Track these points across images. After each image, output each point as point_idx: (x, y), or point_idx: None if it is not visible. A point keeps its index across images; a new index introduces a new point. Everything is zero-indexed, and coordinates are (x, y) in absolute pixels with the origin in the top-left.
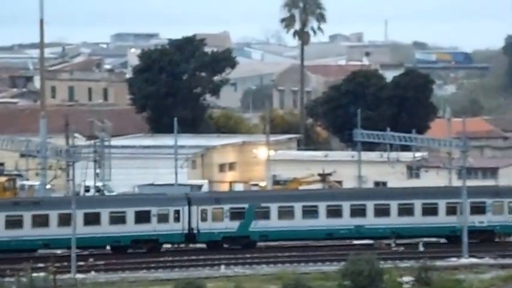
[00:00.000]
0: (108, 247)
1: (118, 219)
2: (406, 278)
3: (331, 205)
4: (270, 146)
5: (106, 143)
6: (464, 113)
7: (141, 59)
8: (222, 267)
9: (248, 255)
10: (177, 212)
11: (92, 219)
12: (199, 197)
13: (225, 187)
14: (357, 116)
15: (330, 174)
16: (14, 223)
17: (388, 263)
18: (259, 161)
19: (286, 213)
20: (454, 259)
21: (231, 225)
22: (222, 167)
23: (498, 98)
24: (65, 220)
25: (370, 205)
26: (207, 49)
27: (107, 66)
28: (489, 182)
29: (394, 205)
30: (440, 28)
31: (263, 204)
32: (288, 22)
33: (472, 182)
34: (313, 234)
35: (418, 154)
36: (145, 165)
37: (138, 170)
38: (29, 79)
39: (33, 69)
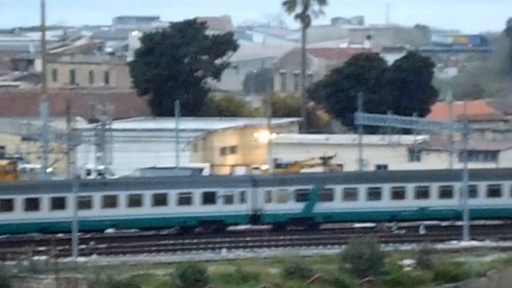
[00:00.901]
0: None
1: (185, 200)
2: (406, 261)
3: (396, 187)
4: (272, 130)
5: (107, 126)
6: (466, 96)
7: (143, 42)
8: (224, 250)
9: (249, 239)
10: (242, 193)
11: (159, 200)
12: (264, 178)
13: (226, 171)
14: (358, 99)
15: (331, 158)
16: (83, 204)
17: (389, 246)
18: (261, 144)
19: (350, 194)
20: (454, 242)
21: (295, 207)
22: (223, 151)
23: (499, 81)
24: (134, 201)
25: (434, 187)
26: (209, 32)
27: (108, 50)
28: (490, 165)
29: (457, 187)
30: (442, 11)
31: (327, 186)
32: (289, 5)
33: (472, 165)
34: (376, 215)
35: (419, 137)
36: (147, 149)
37: (140, 154)
38: (31, 62)
39: (35, 52)
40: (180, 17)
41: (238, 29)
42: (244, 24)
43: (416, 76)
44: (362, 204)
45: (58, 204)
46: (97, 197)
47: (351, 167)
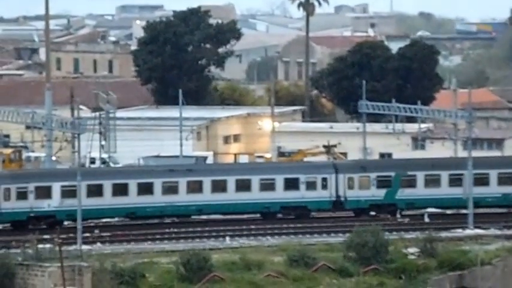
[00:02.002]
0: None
1: (268, 186)
2: (411, 249)
3: (478, 173)
4: (275, 118)
5: (111, 115)
6: (470, 83)
7: (146, 30)
8: (227, 238)
9: (253, 227)
10: (324, 179)
11: (243, 186)
12: (346, 165)
13: (229, 159)
14: (362, 88)
15: (334, 146)
16: (169, 189)
17: (393, 234)
18: (264, 132)
19: (432, 181)
20: (459, 230)
21: (377, 193)
22: (226, 139)
23: (504, 69)
24: (218, 186)
25: None
26: (212, 21)
27: (112, 38)
28: (494, 153)
29: None
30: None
31: (409, 173)
32: None
33: (477, 153)
34: (459, 202)
35: (423, 125)
36: (151, 137)
37: (143, 142)
38: (34, 51)
39: (39, 41)
40: (183, 5)
41: (241, 17)
42: (247, 12)
43: (420, 64)
44: (444, 190)
45: (145, 189)
46: (182, 182)
47: (354, 155)
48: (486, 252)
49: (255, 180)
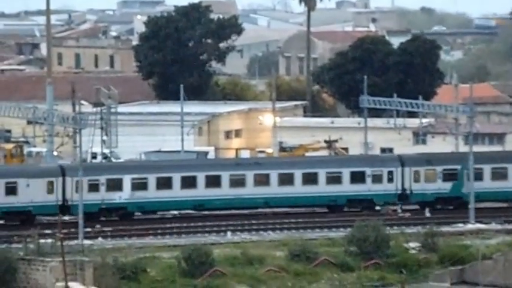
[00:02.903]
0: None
1: (334, 179)
2: (412, 244)
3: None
4: (276, 113)
5: (112, 110)
6: (471, 78)
7: (147, 26)
8: (229, 233)
9: (254, 222)
10: (390, 172)
11: (310, 179)
12: (411, 158)
13: (231, 154)
14: (364, 83)
15: (336, 141)
16: (237, 182)
17: (394, 229)
18: (265, 127)
19: (499, 174)
20: (460, 225)
21: (443, 186)
22: (228, 134)
23: (505, 64)
24: (285, 180)
25: None
26: (213, 16)
27: (113, 33)
28: (496, 148)
29: None
30: None
31: (476, 166)
32: None
33: (478, 148)
34: None
35: (424, 120)
36: (152, 132)
37: (145, 137)
38: (36, 46)
39: (40, 36)
40: (184, 0)
41: (242, 12)
42: (249, 7)
43: (421, 59)
44: (511, 183)
45: (213, 182)
46: (250, 175)
47: (355, 150)
48: (487, 246)
49: (322, 174)
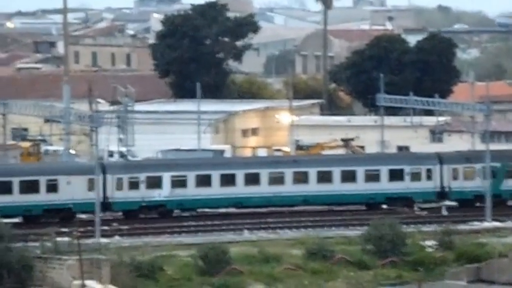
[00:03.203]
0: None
1: (373, 177)
2: (428, 242)
3: None
4: (293, 111)
5: (129, 108)
6: (488, 76)
7: (164, 24)
8: (245, 231)
9: (271, 220)
10: (429, 170)
11: (348, 177)
12: (450, 156)
13: (247, 152)
14: (380, 81)
15: (352, 139)
16: (276, 180)
17: (410, 227)
18: (282, 126)
19: None
20: (476, 223)
21: (482, 184)
22: (244, 132)
23: None
24: (324, 177)
25: None
26: (230, 14)
27: (130, 32)
28: None
29: None
30: None
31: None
32: None
33: (495, 146)
34: None
35: (441, 118)
36: (169, 131)
37: (161, 136)
38: (53, 44)
39: (57, 34)
40: None
41: (259, 10)
42: (265, 5)
43: (438, 57)
44: None
45: (252, 180)
46: (289, 173)
47: (372, 148)
48: (503, 244)
49: (360, 172)
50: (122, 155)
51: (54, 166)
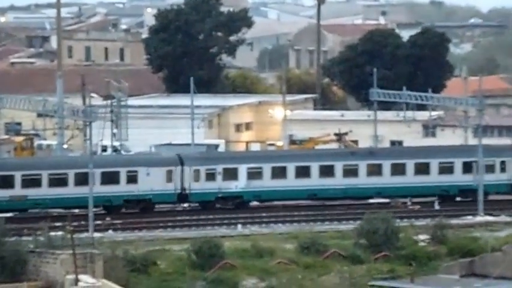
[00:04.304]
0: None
1: (446, 169)
2: (421, 236)
3: None
4: (286, 106)
5: (122, 103)
6: (481, 71)
7: (157, 19)
8: (239, 226)
9: (264, 214)
10: (503, 162)
11: (422, 169)
12: None
13: (241, 147)
14: (373, 76)
15: (346, 134)
16: (350, 172)
17: (403, 221)
18: (276, 120)
19: None
20: (469, 217)
21: None
22: (238, 127)
23: None
24: (397, 169)
25: None
26: (223, 9)
27: (123, 26)
28: (505, 141)
29: None
30: None
31: None
32: None
33: (488, 141)
34: None
35: (434, 113)
36: (162, 125)
37: (155, 130)
38: (46, 39)
39: (50, 29)
40: None
41: (253, 5)
42: (259, 0)
43: (431, 52)
44: None
45: (327, 172)
46: (363, 165)
47: (365, 143)
48: (496, 239)
49: (434, 164)
50: (116, 149)
51: (134, 158)
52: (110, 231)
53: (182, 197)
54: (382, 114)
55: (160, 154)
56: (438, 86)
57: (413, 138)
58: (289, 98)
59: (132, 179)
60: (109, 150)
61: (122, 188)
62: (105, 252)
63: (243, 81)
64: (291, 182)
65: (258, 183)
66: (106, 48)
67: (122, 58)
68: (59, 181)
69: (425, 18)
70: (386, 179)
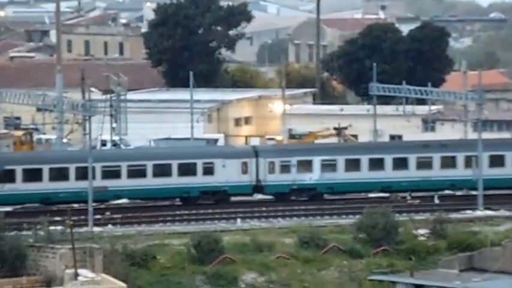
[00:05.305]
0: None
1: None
2: (421, 231)
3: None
4: (286, 100)
5: (122, 97)
6: (480, 65)
7: (157, 13)
8: (238, 220)
9: (264, 209)
10: None
11: (496, 162)
12: None
13: (240, 141)
14: (373, 70)
15: (345, 128)
16: (423, 164)
17: (403, 215)
18: (275, 115)
19: None
20: (469, 211)
21: None
22: (237, 121)
23: None
24: (471, 162)
25: None
26: (223, 3)
27: (123, 21)
28: (505, 135)
29: None
30: None
31: None
32: None
33: (487, 135)
34: None
35: (433, 107)
36: (161, 120)
37: (154, 124)
38: (45, 33)
39: (49, 23)
40: None
41: None
42: None
43: (431, 46)
44: None
45: (400, 164)
46: (436, 158)
47: (365, 137)
48: (496, 233)
49: (509, 156)
50: (115, 143)
51: (210, 149)
52: (110, 226)
53: (257, 188)
54: (382, 109)
55: (235, 146)
56: (438, 81)
57: (412, 132)
58: (289, 92)
59: (208, 170)
60: (108, 145)
61: (199, 180)
62: (105, 247)
63: (242, 76)
64: (365, 174)
65: (332, 175)
66: (105, 43)
67: (121, 52)
68: (138, 172)
69: (425, 13)
70: (460, 172)
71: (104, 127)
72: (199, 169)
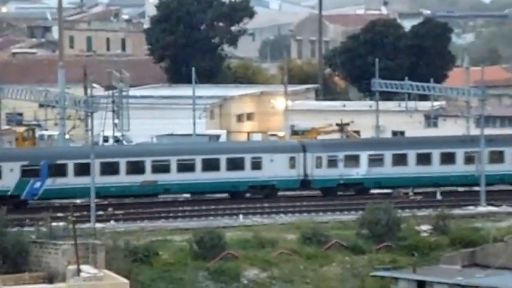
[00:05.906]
0: None
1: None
2: (423, 227)
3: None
4: (288, 96)
5: (124, 93)
6: (483, 61)
7: (159, 9)
8: (241, 216)
9: (267, 205)
10: None
11: (497, 158)
12: None
13: (243, 137)
14: (375, 66)
15: (347, 124)
16: (447, 160)
17: (405, 211)
18: (277, 111)
19: None
20: (471, 207)
21: None
22: (240, 117)
23: None
24: (495, 158)
25: None
26: None
27: (125, 17)
28: (507, 131)
29: None
30: None
31: None
32: None
33: (490, 131)
34: None
35: (436, 103)
36: (164, 116)
37: (156, 120)
38: (47, 29)
39: (52, 19)
40: None
41: None
42: None
43: (433, 42)
44: None
45: (423, 160)
46: (460, 153)
47: (367, 133)
48: (498, 229)
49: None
50: (117, 139)
51: (258, 144)
52: (112, 222)
53: (304, 183)
54: (384, 105)
55: (283, 141)
56: (440, 76)
57: (415, 128)
58: (291, 88)
59: (256, 165)
60: (111, 141)
61: (247, 174)
62: (107, 243)
63: (244, 72)
64: (412, 169)
65: (379, 170)
66: (108, 39)
67: (123, 48)
68: (187, 167)
69: (427, 8)
70: (508, 167)
71: (106, 123)
72: (248, 164)
